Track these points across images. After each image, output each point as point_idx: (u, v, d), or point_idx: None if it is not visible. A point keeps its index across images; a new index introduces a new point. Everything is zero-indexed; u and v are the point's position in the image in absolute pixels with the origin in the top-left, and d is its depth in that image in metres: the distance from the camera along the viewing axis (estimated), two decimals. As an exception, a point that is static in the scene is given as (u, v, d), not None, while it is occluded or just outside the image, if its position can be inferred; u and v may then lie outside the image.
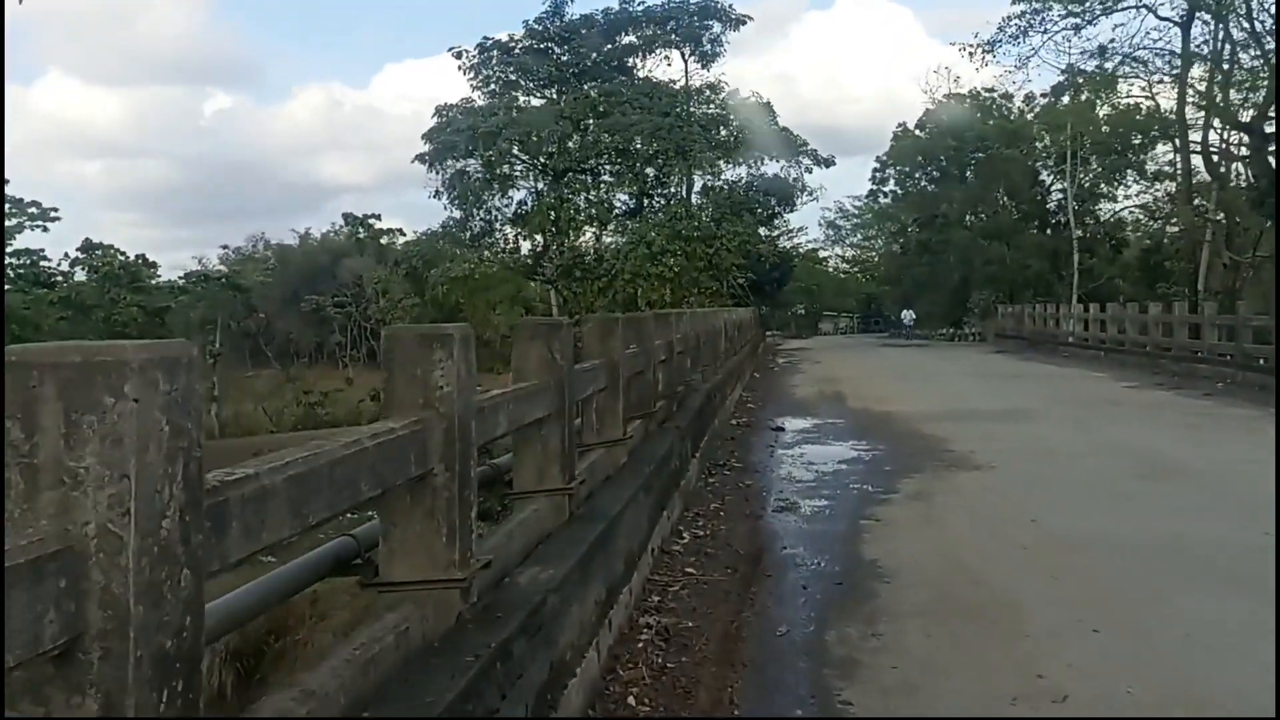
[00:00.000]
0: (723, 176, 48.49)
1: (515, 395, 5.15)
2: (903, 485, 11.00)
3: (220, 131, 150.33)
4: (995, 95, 58.85)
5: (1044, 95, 53.05)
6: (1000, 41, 47.58)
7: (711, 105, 48.69)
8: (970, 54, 48.55)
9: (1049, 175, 58.52)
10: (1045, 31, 47.07)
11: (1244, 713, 4.89)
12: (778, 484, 11.35)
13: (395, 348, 3.89)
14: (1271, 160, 37.77)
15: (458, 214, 49.07)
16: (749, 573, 7.45)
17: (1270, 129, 38.90)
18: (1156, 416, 17.32)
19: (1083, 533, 8.55)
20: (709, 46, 49.05)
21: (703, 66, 49.93)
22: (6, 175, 57.39)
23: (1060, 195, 55.67)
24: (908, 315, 63.96)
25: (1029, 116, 57.65)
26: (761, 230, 49.83)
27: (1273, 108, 38.57)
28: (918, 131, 63.91)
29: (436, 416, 3.82)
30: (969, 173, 60.76)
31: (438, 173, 48.04)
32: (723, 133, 46.82)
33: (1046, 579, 7.17)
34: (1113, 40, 45.85)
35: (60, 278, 54.56)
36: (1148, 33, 48.79)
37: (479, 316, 42.93)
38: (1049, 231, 58.07)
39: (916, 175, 64.75)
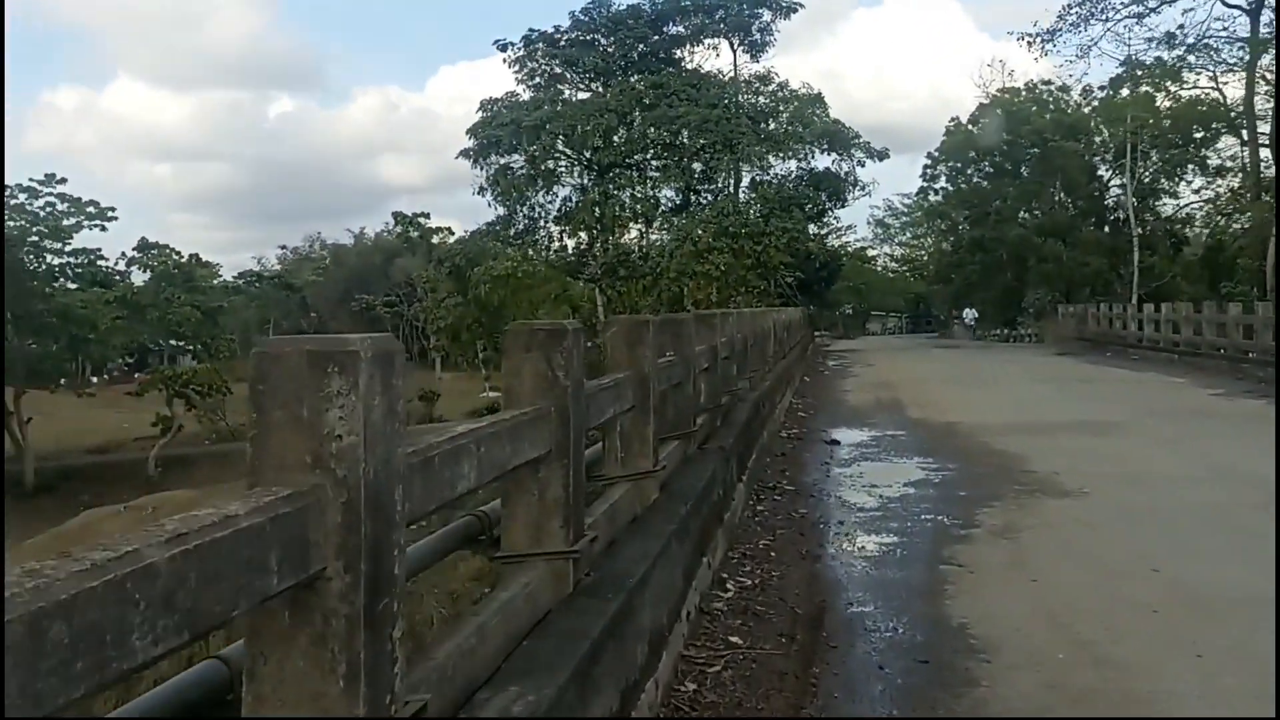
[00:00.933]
0: (772, 171, 47.15)
1: (494, 431, 3.67)
2: (982, 516, 9.39)
3: (283, 134, 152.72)
4: (1052, 88, 56.93)
5: (1102, 88, 51.31)
6: (1060, 31, 46.27)
7: (761, 96, 47.35)
8: (1029, 44, 47.20)
9: (1107, 170, 56.25)
10: (1107, 20, 45.56)
11: None
12: (836, 512, 9.80)
13: (269, 374, 2.39)
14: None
15: (502, 211, 48.36)
16: (809, 642, 5.93)
17: None
18: (1257, 431, 15.49)
19: (1219, 587, 6.91)
20: (758, 36, 47.75)
21: (752, 57, 48.67)
22: (67, 175, 58.35)
23: (1119, 191, 53.46)
24: (969, 314, 61.70)
25: (1086, 110, 55.55)
26: (810, 227, 48.34)
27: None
28: (970, 126, 61.77)
29: (332, 484, 2.36)
30: (1024, 168, 58.57)
31: (482, 169, 47.35)
32: (772, 125, 45.46)
33: (1192, 657, 5.58)
34: (1181, 26, 44.23)
35: (117, 277, 55.25)
36: (1214, 21, 46.82)
37: (522, 316, 41.73)
38: (1107, 229, 55.79)
39: (969, 171, 62.58)
